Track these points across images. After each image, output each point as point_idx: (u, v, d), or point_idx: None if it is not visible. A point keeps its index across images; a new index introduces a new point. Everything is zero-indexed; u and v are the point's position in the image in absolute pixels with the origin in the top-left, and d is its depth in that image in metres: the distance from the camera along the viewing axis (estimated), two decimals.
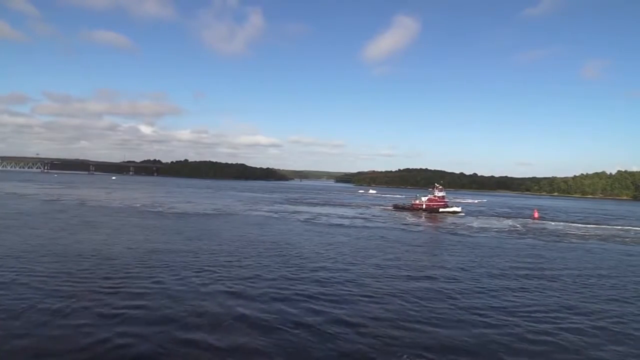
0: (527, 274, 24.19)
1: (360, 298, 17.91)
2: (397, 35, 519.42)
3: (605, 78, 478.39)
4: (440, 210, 72.45)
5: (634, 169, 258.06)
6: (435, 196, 75.99)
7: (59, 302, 15.35)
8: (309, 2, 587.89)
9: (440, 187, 79.92)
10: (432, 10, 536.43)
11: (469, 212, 77.40)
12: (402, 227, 49.01)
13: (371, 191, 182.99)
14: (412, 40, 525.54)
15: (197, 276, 20.12)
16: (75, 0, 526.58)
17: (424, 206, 74.25)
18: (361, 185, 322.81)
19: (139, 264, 22.28)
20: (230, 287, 18.49)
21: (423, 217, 64.49)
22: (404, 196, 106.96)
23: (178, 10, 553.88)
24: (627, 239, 45.04)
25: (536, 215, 72.51)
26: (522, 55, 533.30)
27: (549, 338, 14.08)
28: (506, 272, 24.69)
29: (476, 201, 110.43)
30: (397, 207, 78.84)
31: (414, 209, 74.90)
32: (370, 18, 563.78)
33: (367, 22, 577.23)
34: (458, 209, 73.99)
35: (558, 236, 45.14)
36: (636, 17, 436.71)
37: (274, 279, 20.45)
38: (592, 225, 60.59)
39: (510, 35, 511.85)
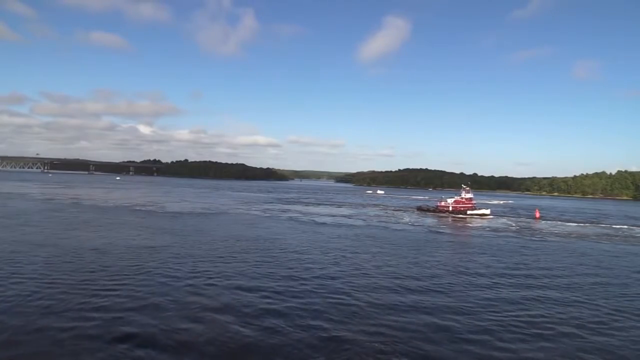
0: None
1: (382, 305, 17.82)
2: (389, 36, 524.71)
3: (598, 78, 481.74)
4: (468, 212, 68.15)
5: (634, 169, 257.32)
6: (462, 198, 71.61)
7: (42, 299, 15.46)
8: (299, 3, 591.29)
9: (468, 188, 74.33)
10: (421, 12, 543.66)
11: (497, 213, 73.78)
12: (438, 232, 45.40)
13: (379, 192, 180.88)
14: (404, 41, 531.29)
15: (179, 272, 20.25)
16: (71, 2, 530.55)
17: (450, 208, 70.18)
18: (361, 185, 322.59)
19: (125, 261, 22.37)
20: (212, 284, 18.60)
21: (450, 220, 60.67)
22: (427, 197, 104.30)
23: (173, 12, 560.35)
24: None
25: (537, 215, 72.15)
26: (513, 56, 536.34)
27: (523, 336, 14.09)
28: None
29: (502, 202, 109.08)
30: (421, 209, 75.47)
31: (439, 212, 70.90)
32: (361, 19, 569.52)
33: (358, 23, 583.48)
34: (487, 212, 69.97)
35: (559, 235, 45.17)
36: (624, 17, 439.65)
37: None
38: (590, 225, 60.63)
39: (500, 36, 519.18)
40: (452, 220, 61.03)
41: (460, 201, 71.20)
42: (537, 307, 17.48)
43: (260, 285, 18.79)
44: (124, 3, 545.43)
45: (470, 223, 56.63)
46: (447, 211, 70.19)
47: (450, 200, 72.16)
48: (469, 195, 72.50)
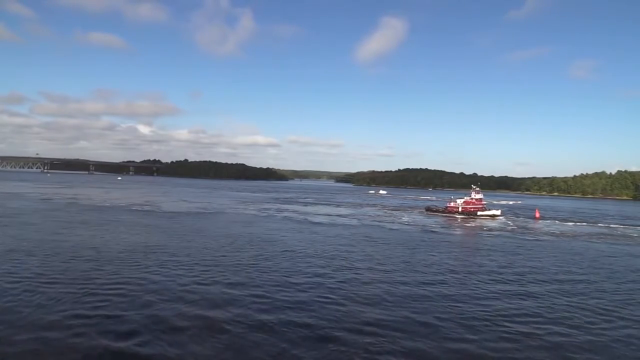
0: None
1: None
2: (386, 36, 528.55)
3: (597, 78, 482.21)
4: (479, 213, 67.22)
5: (634, 169, 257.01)
6: (472, 198, 70.43)
7: (36, 301, 15.44)
8: (297, 4, 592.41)
9: (478, 189, 73.21)
10: (418, 12, 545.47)
11: (507, 214, 73.11)
12: (446, 233, 45.16)
13: (381, 192, 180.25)
14: (401, 41, 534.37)
15: (174, 274, 20.28)
16: (70, 2, 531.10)
17: (460, 209, 68.94)
18: (361, 185, 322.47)
19: (120, 262, 22.39)
20: (206, 286, 18.61)
21: (460, 221, 59.78)
22: (433, 197, 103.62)
23: (171, 12, 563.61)
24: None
25: (537, 215, 72.15)
26: (510, 56, 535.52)
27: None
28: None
29: (511, 202, 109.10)
30: (430, 210, 74.52)
31: (448, 212, 69.78)
32: (359, 20, 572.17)
33: (355, 23, 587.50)
34: (497, 212, 68.89)
35: (555, 235, 45.06)
36: (622, 17, 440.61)
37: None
38: (587, 225, 60.66)
39: (497, 36, 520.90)
40: (462, 221, 60.36)
41: (470, 202, 70.15)
42: (538, 310, 17.41)
43: (253, 288, 18.64)
44: (123, 3, 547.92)
45: (479, 224, 56.15)
46: (457, 212, 69.03)
47: (459, 201, 70.77)
48: (479, 196, 71.26)
